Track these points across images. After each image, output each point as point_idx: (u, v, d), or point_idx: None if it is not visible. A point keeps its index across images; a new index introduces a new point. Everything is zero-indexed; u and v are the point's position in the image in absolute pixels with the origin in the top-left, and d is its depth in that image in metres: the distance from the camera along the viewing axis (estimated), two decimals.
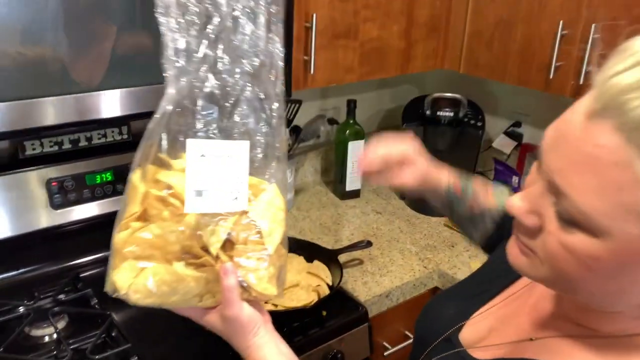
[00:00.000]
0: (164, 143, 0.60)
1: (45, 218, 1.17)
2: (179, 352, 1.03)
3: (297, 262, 1.23)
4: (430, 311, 0.76)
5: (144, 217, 0.60)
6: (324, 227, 1.48)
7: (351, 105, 1.58)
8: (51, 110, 0.94)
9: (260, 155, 0.63)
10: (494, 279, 0.71)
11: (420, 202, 1.53)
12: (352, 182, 1.63)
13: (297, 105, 1.46)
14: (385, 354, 1.29)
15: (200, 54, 0.60)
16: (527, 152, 1.63)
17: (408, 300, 1.28)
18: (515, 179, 1.60)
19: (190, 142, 0.58)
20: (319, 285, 1.17)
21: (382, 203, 1.63)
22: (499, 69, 1.39)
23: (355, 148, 1.59)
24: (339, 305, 1.17)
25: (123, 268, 0.59)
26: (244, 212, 0.60)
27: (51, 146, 1.17)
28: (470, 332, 0.67)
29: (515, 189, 1.57)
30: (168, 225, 0.58)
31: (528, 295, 0.64)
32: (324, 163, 1.76)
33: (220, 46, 0.60)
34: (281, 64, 0.64)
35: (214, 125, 0.61)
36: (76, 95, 0.96)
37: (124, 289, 0.59)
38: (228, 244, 0.61)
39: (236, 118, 0.62)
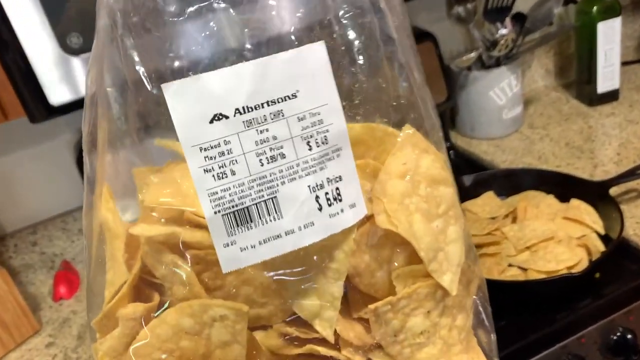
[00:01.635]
0: (115, 107, 0.28)
1: None
2: None
3: (546, 203, 0.87)
4: None
5: (146, 288, 0.28)
6: (572, 148, 1.08)
7: None
8: None
9: (362, 68, 0.28)
10: None
11: None
12: (607, 80, 1.18)
13: None
14: None
15: None
16: None
17: None
18: None
19: (169, 90, 0.24)
20: (583, 235, 0.81)
21: None
22: None
23: (608, 30, 1.13)
24: (617, 263, 0.80)
25: None
26: (365, 222, 0.27)
27: None
28: None
29: None
30: (204, 307, 0.25)
31: None
32: (559, 60, 1.32)
33: None
34: None
35: (213, 44, 0.26)
36: None
37: None
38: (352, 303, 0.29)
39: None
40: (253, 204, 0.24)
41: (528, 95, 1.30)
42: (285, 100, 0.24)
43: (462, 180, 0.94)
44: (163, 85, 0.24)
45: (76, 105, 0.67)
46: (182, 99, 0.23)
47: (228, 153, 0.24)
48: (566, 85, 1.31)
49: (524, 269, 0.78)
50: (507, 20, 1.10)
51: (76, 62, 0.65)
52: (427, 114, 0.29)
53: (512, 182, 0.93)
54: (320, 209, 0.25)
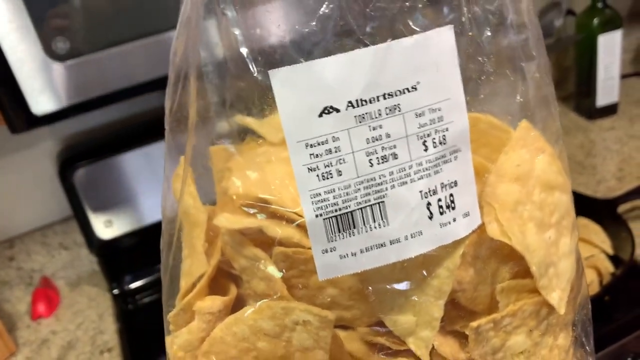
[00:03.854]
0: (211, 77, 0.24)
1: None
2: None
3: None
4: None
5: (224, 280, 0.26)
6: (573, 163, 1.06)
7: None
8: None
9: (489, 61, 0.26)
10: None
11: None
12: (606, 93, 1.16)
13: None
14: None
15: None
16: None
17: None
18: None
19: (277, 76, 0.21)
20: (592, 255, 0.79)
21: None
22: None
23: (608, 43, 1.11)
24: (629, 285, 0.77)
25: None
26: (475, 233, 0.24)
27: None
28: None
29: None
30: (287, 310, 0.23)
31: None
32: (557, 72, 1.30)
33: None
34: None
35: (328, 24, 0.23)
36: None
37: None
38: (448, 315, 0.25)
39: None
40: (358, 209, 0.21)
41: None
42: (404, 93, 0.21)
43: None
44: (270, 72, 0.21)
45: (61, 115, 0.62)
46: (291, 87, 0.20)
47: (336, 151, 0.21)
48: (564, 98, 1.29)
49: None
50: None
51: (62, 69, 0.60)
52: (551, 115, 0.26)
53: None
54: (430, 217, 0.22)
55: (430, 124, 0.22)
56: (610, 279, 0.74)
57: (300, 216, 0.22)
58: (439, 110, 0.22)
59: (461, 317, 0.24)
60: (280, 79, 0.21)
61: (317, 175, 0.21)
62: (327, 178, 0.21)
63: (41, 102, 0.60)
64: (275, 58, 0.22)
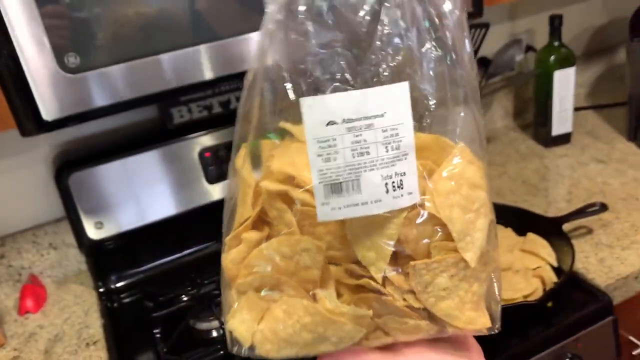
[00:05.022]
0: (268, 95, 0.40)
1: (201, 194, 1.02)
2: None
3: (504, 236, 0.94)
4: None
5: (261, 223, 0.41)
6: (528, 186, 1.16)
7: (555, 23, 1.21)
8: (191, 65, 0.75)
9: (432, 102, 0.40)
10: None
11: None
12: (561, 124, 1.27)
13: (484, 30, 1.14)
14: (635, 352, 0.96)
15: None
16: None
17: None
18: None
19: (305, 103, 0.36)
20: (539, 267, 0.88)
21: (605, 148, 1.25)
22: None
23: (563, 78, 1.22)
24: (569, 293, 0.86)
25: (240, 309, 0.40)
26: (415, 207, 0.37)
27: (200, 111, 1.01)
28: None
29: None
30: (297, 241, 0.38)
31: None
32: (518, 103, 1.41)
33: None
34: None
35: (343, 65, 0.39)
36: (216, 43, 0.75)
37: (247, 340, 0.40)
38: (399, 259, 0.38)
39: (381, 44, 0.39)
40: (344, 181, 0.36)
41: (488, 134, 1.38)
42: (376, 117, 0.36)
43: None
44: (301, 99, 0.36)
45: (68, 121, 0.69)
46: (311, 109, 0.36)
47: (333, 146, 0.36)
48: (523, 127, 1.40)
49: None
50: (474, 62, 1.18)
51: (71, 81, 0.67)
52: (481, 144, 0.42)
53: None
54: (387, 192, 0.36)
55: (391, 137, 0.37)
56: (552, 287, 0.83)
57: (309, 183, 0.37)
58: (396, 129, 0.37)
59: (407, 261, 0.38)
60: (306, 103, 0.36)
61: (322, 159, 0.36)
62: (328, 161, 0.36)
63: (51, 109, 0.67)
64: (304, 90, 0.38)
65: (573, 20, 1.40)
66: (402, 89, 0.37)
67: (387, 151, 0.36)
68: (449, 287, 0.38)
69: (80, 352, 0.88)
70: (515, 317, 0.81)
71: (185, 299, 0.97)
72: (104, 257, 1.01)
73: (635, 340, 0.96)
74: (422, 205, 0.37)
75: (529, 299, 0.82)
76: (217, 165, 1.02)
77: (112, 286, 1.01)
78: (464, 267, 0.38)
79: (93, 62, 0.68)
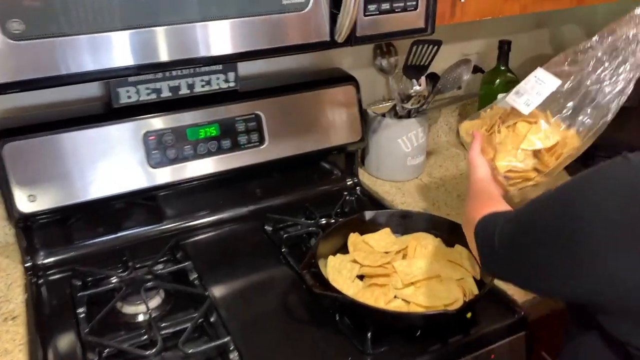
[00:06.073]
0: None
1: (142, 178, 1.01)
2: (284, 348, 0.83)
3: (434, 245, 0.98)
4: None
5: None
6: (463, 200, 1.21)
7: (504, 48, 1.27)
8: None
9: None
10: None
11: None
12: None
13: (436, 47, 1.18)
14: None
15: None
16: None
17: None
18: None
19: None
20: (462, 278, 0.92)
21: None
22: None
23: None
24: (487, 305, 0.91)
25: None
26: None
27: (148, 94, 1.00)
28: None
29: None
30: None
31: None
32: (462, 120, 1.46)
33: None
34: None
35: None
36: (172, 27, 0.75)
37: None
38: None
39: None
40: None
41: (431, 148, 1.43)
42: None
43: (363, 215, 1.03)
44: None
45: (7, 88, 0.67)
46: None
47: None
48: (465, 143, 1.45)
49: (408, 302, 0.87)
50: (422, 79, 1.22)
51: (15, 47, 0.65)
52: None
53: (407, 223, 1.03)
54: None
55: None
56: (472, 299, 0.87)
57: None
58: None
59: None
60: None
61: None
62: None
63: None
64: None
65: (521, 48, 1.47)
66: None
67: None
68: None
69: None
70: (436, 324, 0.85)
71: (114, 280, 0.95)
72: (35, 232, 0.98)
73: (546, 356, 1.02)
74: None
75: (451, 307, 0.85)
76: (160, 150, 1.01)
77: (40, 262, 0.99)
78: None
79: (39, 30, 0.66)
